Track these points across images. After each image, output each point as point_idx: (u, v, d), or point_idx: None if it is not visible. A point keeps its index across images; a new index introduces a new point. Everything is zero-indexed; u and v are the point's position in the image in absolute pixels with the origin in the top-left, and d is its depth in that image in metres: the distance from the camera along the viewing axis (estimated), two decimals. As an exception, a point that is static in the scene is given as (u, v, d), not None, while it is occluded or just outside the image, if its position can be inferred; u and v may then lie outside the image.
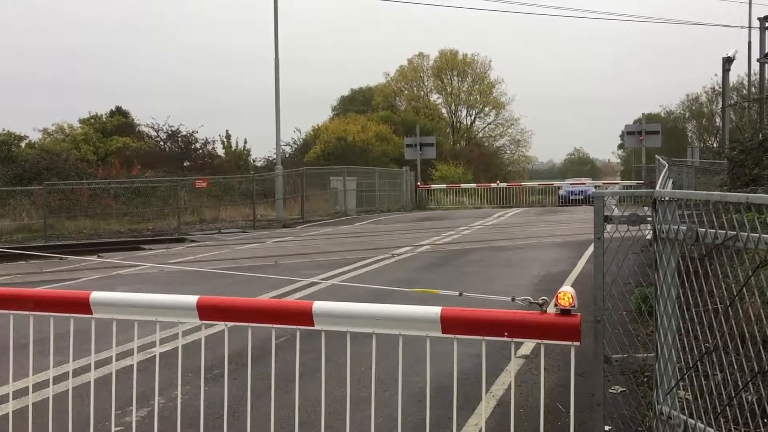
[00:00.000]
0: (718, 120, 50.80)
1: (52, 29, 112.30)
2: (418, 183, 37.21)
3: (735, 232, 3.15)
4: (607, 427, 4.17)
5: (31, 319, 3.38)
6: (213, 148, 38.63)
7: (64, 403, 3.76)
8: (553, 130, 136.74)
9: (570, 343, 2.68)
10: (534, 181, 48.44)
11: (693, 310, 3.61)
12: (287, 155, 45.46)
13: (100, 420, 4.15)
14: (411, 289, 3.98)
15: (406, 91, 61.83)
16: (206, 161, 37.11)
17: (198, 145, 37.41)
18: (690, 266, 3.70)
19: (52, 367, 3.45)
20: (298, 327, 3.02)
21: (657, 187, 7.01)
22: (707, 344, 3.60)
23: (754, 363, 3.27)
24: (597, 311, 3.77)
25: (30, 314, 3.37)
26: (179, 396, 4.08)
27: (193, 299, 3.13)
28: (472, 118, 62.23)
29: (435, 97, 62.07)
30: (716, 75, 47.54)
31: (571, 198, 37.11)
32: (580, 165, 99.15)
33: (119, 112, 42.59)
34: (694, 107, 59.96)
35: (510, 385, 5.14)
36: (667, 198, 3.76)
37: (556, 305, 2.67)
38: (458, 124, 61.79)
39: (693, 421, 3.59)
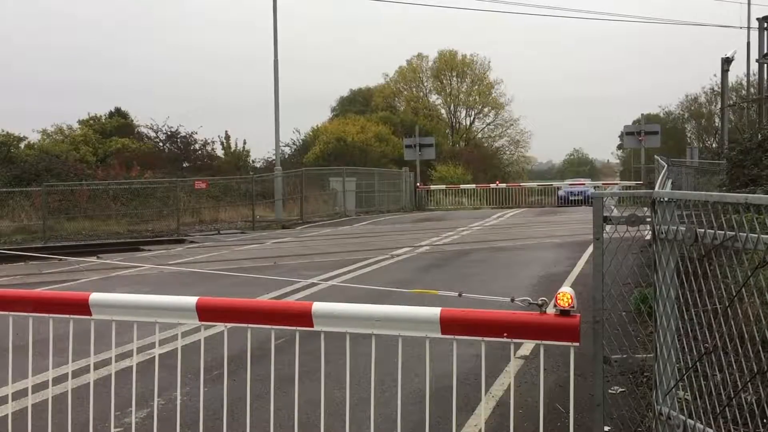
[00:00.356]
0: (717, 120, 50.84)
1: (52, 30, 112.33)
2: (418, 184, 37.22)
3: (734, 233, 3.15)
4: (606, 428, 4.17)
5: (30, 321, 3.38)
6: (212, 149, 38.69)
7: (64, 404, 3.76)
8: (553, 130, 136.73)
9: (569, 343, 2.68)
10: (533, 181, 48.46)
11: (692, 310, 3.61)
12: (286, 156, 45.48)
13: (99, 421, 4.14)
14: (410, 290, 3.98)
15: (406, 92, 61.85)
16: (205, 162, 37.12)
17: (197, 146, 37.44)
18: (689, 267, 3.70)
19: (52, 368, 3.45)
20: (298, 328, 3.02)
21: (656, 188, 7.03)
22: (706, 345, 3.60)
23: (754, 363, 3.27)
24: (596, 312, 3.77)
25: (29, 315, 3.37)
26: (179, 397, 4.08)
27: (192, 300, 3.12)
28: (472, 118, 62.32)
29: (434, 98, 62.18)
30: (715, 75, 47.67)
31: (570, 198, 37.13)
32: (579, 165, 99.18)
33: (118, 113, 42.59)
34: (693, 107, 60.00)
35: (509, 385, 5.14)
36: (666, 198, 3.76)
37: (555, 306, 2.67)
38: (457, 125, 61.81)
39: (692, 422, 3.59)
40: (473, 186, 39.62)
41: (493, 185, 39.41)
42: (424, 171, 40.22)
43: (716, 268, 3.58)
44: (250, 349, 3.17)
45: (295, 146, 49.79)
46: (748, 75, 37.43)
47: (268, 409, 3.29)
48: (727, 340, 3.44)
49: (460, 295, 3.12)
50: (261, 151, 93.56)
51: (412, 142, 37.59)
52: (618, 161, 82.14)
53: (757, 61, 27.17)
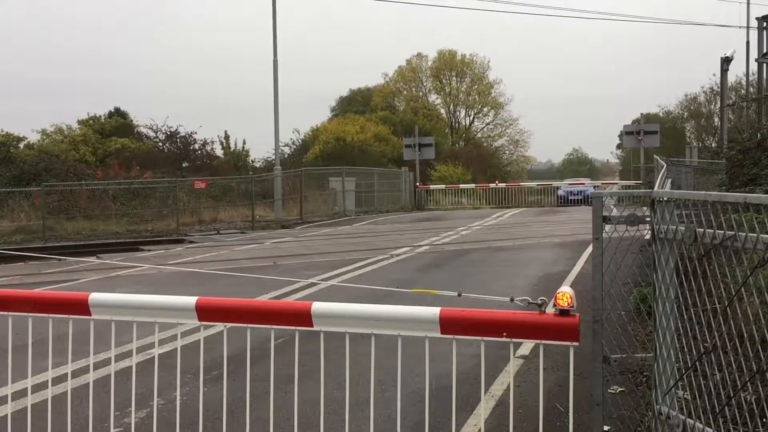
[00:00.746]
0: (716, 120, 50.88)
1: (52, 30, 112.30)
2: (417, 183, 37.22)
3: (733, 232, 3.15)
4: (606, 427, 4.17)
5: (29, 321, 3.38)
6: (212, 149, 38.62)
7: (63, 404, 3.77)
8: (552, 130, 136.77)
9: (569, 343, 2.68)
10: (533, 181, 48.45)
11: (692, 310, 3.61)
12: (286, 156, 45.45)
13: (99, 421, 4.15)
14: (410, 289, 3.98)
15: (405, 92, 61.83)
16: (205, 162, 37.07)
17: (197, 146, 37.36)
18: (688, 266, 3.70)
19: (51, 368, 3.45)
20: (297, 328, 3.02)
21: (655, 187, 7.03)
22: (706, 344, 3.60)
23: (753, 363, 3.27)
24: (596, 311, 3.77)
25: (29, 316, 3.37)
26: (178, 397, 4.08)
27: (192, 300, 3.13)
28: (471, 118, 62.30)
29: (434, 98, 62.15)
30: (715, 75, 47.63)
31: (569, 198, 37.14)
32: (578, 165, 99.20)
33: (118, 113, 42.55)
34: (692, 107, 59.99)
35: (509, 385, 5.14)
36: (665, 198, 3.76)
37: (554, 305, 2.67)
38: (457, 125, 61.80)
39: (692, 421, 3.59)
40: (473, 186, 39.63)
41: (492, 185, 39.42)
42: (423, 171, 40.21)
43: (716, 267, 3.58)
44: (249, 349, 3.17)
45: (294, 146, 49.77)
46: (747, 74, 37.42)
47: (268, 409, 3.29)
48: (727, 339, 3.44)
49: (459, 294, 3.12)
50: (260, 151, 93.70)
51: (412, 142, 37.58)
52: (617, 161, 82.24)
53: (756, 60, 27.16)
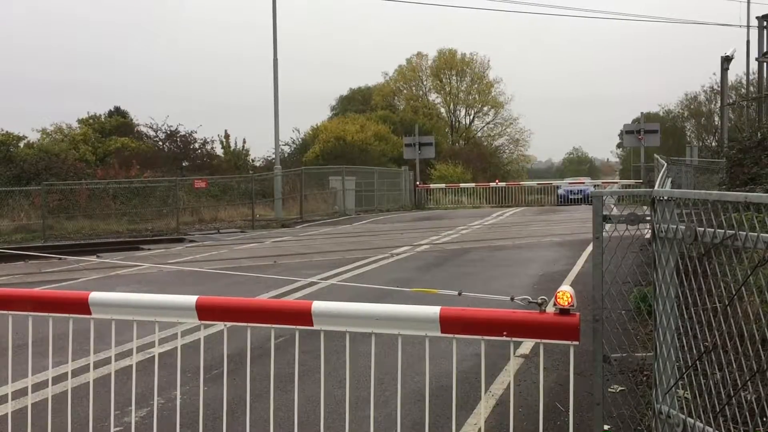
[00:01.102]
0: (716, 119, 50.87)
1: (52, 30, 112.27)
2: (417, 183, 37.22)
3: (734, 231, 3.15)
4: (606, 427, 4.17)
5: (29, 320, 3.38)
6: (212, 148, 38.57)
7: (63, 403, 3.76)
8: (552, 129, 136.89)
9: (569, 342, 2.68)
10: (533, 180, 48.47)
11: (692, 309, 3.61)
12: (286, 155, 45.42)
13: (99, 420, 4.15)
14: (410, 288, 3.98)
15: (405, 91, 61.82)
16: (205, 161, 37.05)
17: (197, 145, 37.33)
18: (689, 265, 3.70)
19: (51, 367, 3.45)
20: (297, 327, 3.02)
21: (656, 187, 7.03)
22: (706, 343, 3.60)
23: (753, 362, 3.27)
24: (596, 310, 3.77)
25: (29, 315, 3.37)
26: (178, 396, 4.08)
27: (192, 299, 3.12)
28: (471, 117, 62.27)
29: (434, 97, 62.13)
30: (715, 74, 47.64)
31: (569, 197, 37.14)
32: (578, 164, 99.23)
33: (118, 112, 42.53)
34: (692, 106, 59.99)
35: (509, 384, 5.14)
36: (665, 197, 3.76)
37: (555, 305, 2.67)
38: (457, 124, 61.79)
39: (692, 420, 3.59)
40: (473, 185, 39.62)
41: (492, 184, 39.41)
42: (423, 170, 40.21)
43: (716, 266, 3.58)
44: (249, 348, 3.17)
45: (294, 145, 49.75)
46: (747, 73, 37.43)
47: (268, 408, 3.29)
48: (727, 338, 3.44)
49: (459, 293, 3.12)
50: (260, 150, 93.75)
51: (412, 141, 37.59)
52: (617, 160, 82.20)
53: (756, 59, 27.14)
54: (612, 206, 14.69)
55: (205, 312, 3.11)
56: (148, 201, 26.54)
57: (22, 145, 34.28)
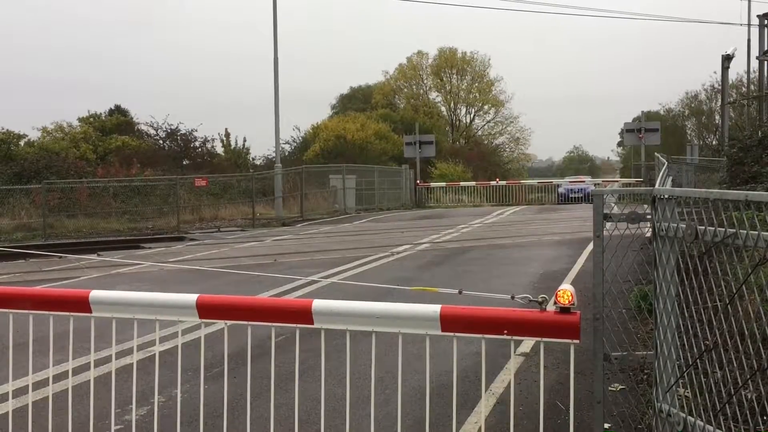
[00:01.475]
0: (717, 117, 50.80)
1: (52, 29, 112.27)
2: (418, 181, 37.22)
3: (734, 230, 3.15)
4: (606, 425, 4.17)
5: (30, 318, 3.38)
6: (212, 147, 38.59)
7: (64, 401, 3.76)
8: (553, 128, 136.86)
9: (569, 341, 2.68)
10: (533, 179, 48.45)
11: (692, 307, 3.61)
12: (286, 153, 45.43)
13: (99, 418, 4.15)
14: (410, 287, 3.98)
15: (406, 90, 61.79)
16: (205, 160, 37.05)
17: (197, 144, 37.33)
18: (689, 264, 3.70)
19: (52, 365, 3.45)
20: (298, 325, 3.02)
21: (656, 185, 7.02)
22: (707, 342, 3.60)
23: (754, 360, 3.27)
24: (596, 309, 3.77)
25: (29, 313, 3.37)
26: (179, 394, 4.08)
27: (192, 298, 3.12)
28: (472, 116, 62.24)
29: (434, 96, 62.09)
30: (715, 72, 47.55)
31: (570, 196, 37.12)
32: (579, 163, 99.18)
33: (118, 111, 42.52)
34: (693, 105, 59.93)
35: (510, 383, 5.14)
36: (666, 196, 3.76)
37: (555, 303, 2.67)
38: (457, 122, 61.76)
39: (692, 419, 3.59)
40: (473, 183, 39.63)
41: (493, 183, 39.41)
42: (424, 168, 40.20)
43: (716, 265, 3.58)
44: (250, 346, 3.17)
45: (295, 144, 49.74)
46: (748, 72, 37.44)
47: (269, 406, 3.29)
48: (728, 337, 3.44)
49: (460, 292, 3.12)
50: (261, 148, 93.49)
51: (412, 140, 37.58)
52: (618, 159, 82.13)
53: (757, 58, 27.12)
54: (612, 205, 14.69)
55: (205, 310, 3.11)
56: (148, 199, 26.54)
57: (22, 143, 34.29)
